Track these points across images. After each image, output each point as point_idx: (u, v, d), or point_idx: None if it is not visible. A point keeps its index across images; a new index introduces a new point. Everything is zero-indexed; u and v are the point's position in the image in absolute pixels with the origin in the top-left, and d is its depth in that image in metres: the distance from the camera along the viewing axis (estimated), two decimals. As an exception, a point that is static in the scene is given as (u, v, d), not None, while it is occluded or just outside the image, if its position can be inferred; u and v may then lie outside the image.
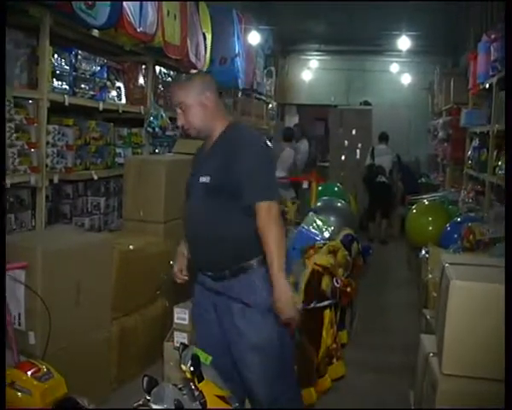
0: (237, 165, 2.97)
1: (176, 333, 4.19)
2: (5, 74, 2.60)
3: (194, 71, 7.60)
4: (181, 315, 4.17)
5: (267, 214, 2.93)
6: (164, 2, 6.12)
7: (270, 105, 12.69)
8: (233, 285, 3.05)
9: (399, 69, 15.17)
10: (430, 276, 5.38)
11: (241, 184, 2.95)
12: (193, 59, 7.25)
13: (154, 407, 2.36)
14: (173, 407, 2.35)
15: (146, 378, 2.52)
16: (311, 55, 16.14)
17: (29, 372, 2.64)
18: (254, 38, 9.98)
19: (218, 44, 8.20)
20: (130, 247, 4.57)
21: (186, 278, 3.34)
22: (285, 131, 11.43)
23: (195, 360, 2.63)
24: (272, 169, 3.21)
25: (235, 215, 3.01)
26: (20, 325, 3.58)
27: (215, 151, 3.11)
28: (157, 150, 6.73)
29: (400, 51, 13.11)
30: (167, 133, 6.77)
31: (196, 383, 2.60)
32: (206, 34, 7.77)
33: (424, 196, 9.77)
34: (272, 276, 2.91)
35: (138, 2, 5.51)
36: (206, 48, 7.78)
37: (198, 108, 3.07)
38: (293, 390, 3.34)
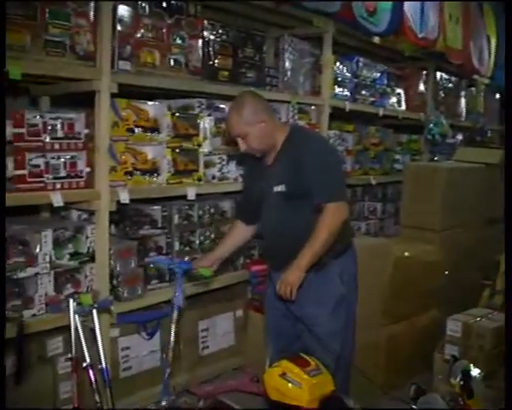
0: (307, 167, 3.03)
1: (447, 345, 4.05)
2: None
3: (476, 76, 7.35)
4: (453, 327, 4.03)
5: (331, 216, 2.99)
6: (446, 6, 5.99)
7: None
8: (311, 280, 3.08)
9: None
10: None
11: (312, 185, 3.02)
12: (476, 64, 6.98)
13: (420, 416, 2.32)
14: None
15: (413, 386, 2.49)
16: None
17: (300, 366, 2.73)
18: (546, 39, 9.32)
19: (503, 48, 7.79)
20: (406, 253, 4.53)
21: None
22: None
23: (466, 375, 2.54)
24: (340, 168, 3.20)
25: (314, 216, 3.03)
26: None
27: (282, 159, 3.14)
28: (436, 158, 6.59)
29: None
30: (447, 141, 6.62)
31: (465, 399, 2.50)
32: (491, 38, 7.42)
33: None
34: (298, 260, 2.97)
35: (419, 8, 5.46)
36: (490, 52, 7.43)
37: (256, 132, 3.10)
38: (346, 385, 3.33)
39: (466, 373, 2.53)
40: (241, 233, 3.54)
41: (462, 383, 2.50)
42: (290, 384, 2.63)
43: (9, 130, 3.02)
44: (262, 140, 3.13)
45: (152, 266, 3.79)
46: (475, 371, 2.60)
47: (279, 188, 3.13)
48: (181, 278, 3.25)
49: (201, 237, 4.14)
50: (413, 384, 2.49)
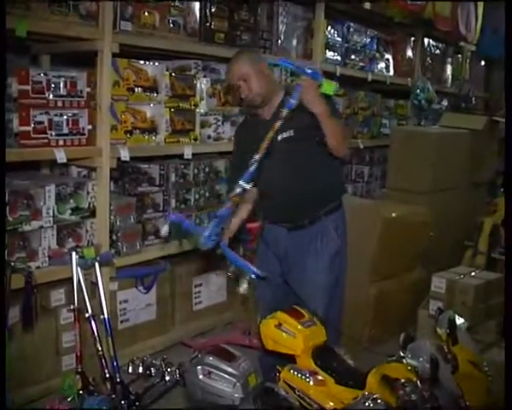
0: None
1: (431, 301, 4.22)
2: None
3: (462, 43, 7.44)
4: (438, 284, 4.19)
5: (345, 138, 3.20)
6: (438, -27, 6.06)
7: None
8: (309, 231, 3.22)
9: None
10: None
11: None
12: (463, 30, 7.06)
13: (409, 361, 2.44)
14: (428, 363, 2.39)
15: (403, 334, 2.61)
16: None
17: (294, 317, 2.86)
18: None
19: (491, 14, 7.84)
20: (393, 214, 4.66)
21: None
22: None
23: (451, 324, 2.67)
24: None
25: (318, 164, 3.16)
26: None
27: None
28: (422, 123, 6.70)
29: None
30: (433, 106, 6.71)
31: (450, 345, 2.64)
32: (478, 4, 7.49)
33: None
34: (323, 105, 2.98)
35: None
36: (476, 18, 7.50)
37: (258, 75, 3.13)
38: (337, 337, 3.37)
39: (452, 321, 2.66)
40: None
41: (448, 331, 2.63)
42: (285, 334, 2.74)
43: (15, 87, 3.09)
44: (260, 87, 3.13)
45: None
46: (460, 321, 2.74)
47: (285, 134, 3.10)
48: None
49: (196, 195, 4.26)
50: (403, 332, 2.61)
